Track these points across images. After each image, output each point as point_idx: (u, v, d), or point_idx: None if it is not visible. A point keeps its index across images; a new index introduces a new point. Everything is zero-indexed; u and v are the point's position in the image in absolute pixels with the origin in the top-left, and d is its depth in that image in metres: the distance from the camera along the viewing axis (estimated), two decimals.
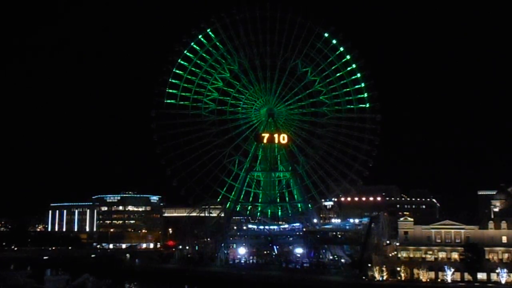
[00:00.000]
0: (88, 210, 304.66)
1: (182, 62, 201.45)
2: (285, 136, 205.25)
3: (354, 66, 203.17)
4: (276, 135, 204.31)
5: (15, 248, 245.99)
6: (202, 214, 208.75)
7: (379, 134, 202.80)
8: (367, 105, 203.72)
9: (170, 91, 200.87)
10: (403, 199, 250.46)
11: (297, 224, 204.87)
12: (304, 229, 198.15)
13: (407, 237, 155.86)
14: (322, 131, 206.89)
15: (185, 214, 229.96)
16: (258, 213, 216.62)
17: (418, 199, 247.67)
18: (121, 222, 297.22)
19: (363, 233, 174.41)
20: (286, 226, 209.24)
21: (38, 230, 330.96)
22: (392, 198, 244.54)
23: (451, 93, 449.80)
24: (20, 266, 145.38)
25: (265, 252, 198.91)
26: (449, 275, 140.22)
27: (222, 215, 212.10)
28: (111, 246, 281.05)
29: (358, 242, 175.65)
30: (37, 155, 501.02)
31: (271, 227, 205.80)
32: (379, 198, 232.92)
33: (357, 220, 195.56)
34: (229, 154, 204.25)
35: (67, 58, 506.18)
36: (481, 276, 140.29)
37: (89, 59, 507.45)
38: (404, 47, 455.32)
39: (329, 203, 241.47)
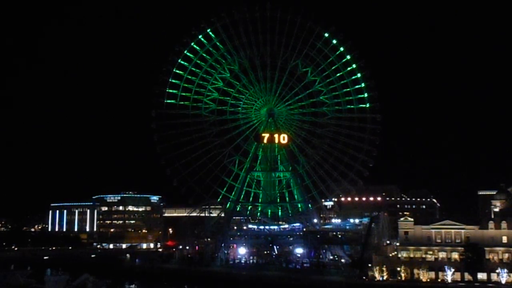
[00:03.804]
0: (88, 210, 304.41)
1: (182, 62, 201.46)
2: (285, 136, 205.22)
3: (354, 66, 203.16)
4: (276, 135, 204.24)
5: (15, 248, 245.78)
6: (202, 214, 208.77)
7: (379, 134, 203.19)
8: (367, 105, 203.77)
9: (170, 91, 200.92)
10: (403, 199, 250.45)
11: (297, 224, 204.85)
12: (304, 229, 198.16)
13: (407, 237, 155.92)
14: (322, 131, 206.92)
15: (185, 214, 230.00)
16: (258, 213, 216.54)
17: (418, 199, 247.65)
18: (121, 222, 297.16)
19: (363, 233, 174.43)
20: (286, 226, 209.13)
21: (38, 230, 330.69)
22: (392, 198, 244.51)
23: (451, 93, 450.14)
24: (20, 266, 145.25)
25: (265, 252, 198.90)
26: (449, 275, 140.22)
27: (222, 215, 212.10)
28: (111, 246, 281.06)
29: (358, 242, 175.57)
30: (37, 155, 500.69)
31: (271, 227, 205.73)
32: (379, 198, 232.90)
33: (357, 220, 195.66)
34: (229, 154, 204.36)
35: (67, 57, 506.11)
36: (481, 276, 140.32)
37: (89, 59, 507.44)
38: (404, 47, 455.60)
39: (329, 203, 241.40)
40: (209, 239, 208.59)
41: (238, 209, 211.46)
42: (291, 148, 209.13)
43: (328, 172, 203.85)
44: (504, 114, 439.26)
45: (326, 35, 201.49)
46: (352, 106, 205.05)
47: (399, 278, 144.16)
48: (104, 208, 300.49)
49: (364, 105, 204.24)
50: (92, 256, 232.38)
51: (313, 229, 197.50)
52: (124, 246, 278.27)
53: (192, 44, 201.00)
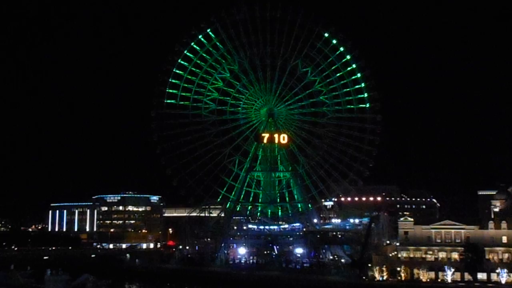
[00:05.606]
0: (88, 210, 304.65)
1: (182, 62, 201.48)
2: (285, 136, 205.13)
3: (354, 66, 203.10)
4: (276, 135, 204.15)
5: (15, 248, 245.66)
6: (202, 214, 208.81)
7: (379, 134, 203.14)
8: (367, 105, 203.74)
9: (170, 91, 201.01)
10: (403, 199, 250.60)
11: (297, 224, 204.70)
12: (304, 229, 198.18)
13: (407, 237, 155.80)
14: (322, 131, 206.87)
15: (185, 214, 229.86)
16: (258, 213, 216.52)
17: (418, 199, 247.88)
18: (121, 222, 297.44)
19: (363, 233, 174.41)
20: (286, 226, 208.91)
21: (38, 230, 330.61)
22: (392, 198, 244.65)
23: (451, 93, 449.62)
24: (20, 266, 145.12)
25: (265, 252, 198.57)
26: (449, 275, 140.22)
27: (222, 215, 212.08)
28: (111, 246, 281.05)
29: (358, 242, 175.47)
30: (37, 155, 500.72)
31: (271, 227, 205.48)
32: (379, 198, 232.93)
33: (357, 220, 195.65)
34: (229, 154, 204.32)
35: (67, 57, 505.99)
36: (481, 276, 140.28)
37: (89, 59, 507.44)
38: (404, 47, 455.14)
39: (329, 203, 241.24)
40: (209, 239, 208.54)
41: (238, 209, 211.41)
42: (291, 148, 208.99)
43: (328, 172, 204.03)
44: (504, 113, 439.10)
45: (326, 35, 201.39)
46: (352, 106, 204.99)
47: (399, 278, 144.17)
48: (104, 208, 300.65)
49: (364, 105, 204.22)
50: (92, 256, 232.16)
51: (313, 229, 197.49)
52: (124, 246, 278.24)
53: (192, 44, 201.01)
